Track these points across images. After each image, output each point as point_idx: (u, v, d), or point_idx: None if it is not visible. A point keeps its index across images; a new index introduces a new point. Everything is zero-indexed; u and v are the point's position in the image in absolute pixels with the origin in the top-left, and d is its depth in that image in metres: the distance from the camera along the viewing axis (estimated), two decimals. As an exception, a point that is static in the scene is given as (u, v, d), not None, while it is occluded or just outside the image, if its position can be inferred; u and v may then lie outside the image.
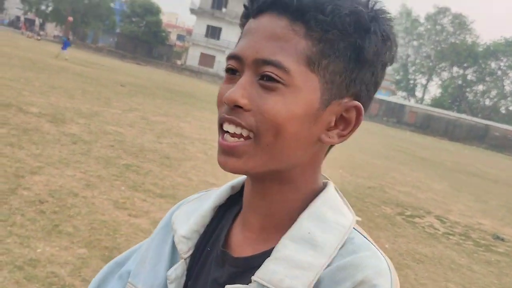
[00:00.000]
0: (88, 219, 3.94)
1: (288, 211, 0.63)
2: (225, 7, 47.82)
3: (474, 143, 45.75)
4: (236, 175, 0.65)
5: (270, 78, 0.55)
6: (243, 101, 0.56)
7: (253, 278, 0.59)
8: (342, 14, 0.55)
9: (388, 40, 0.58)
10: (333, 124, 0.60)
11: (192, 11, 49.14)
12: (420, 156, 19.68)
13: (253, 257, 0.63)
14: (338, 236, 0.59)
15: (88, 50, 46.47)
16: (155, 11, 52.12)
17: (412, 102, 63.93)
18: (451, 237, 6.67)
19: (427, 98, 72.34)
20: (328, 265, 0.57)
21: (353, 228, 0.62)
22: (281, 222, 0.63)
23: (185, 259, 0.69)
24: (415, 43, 70.71)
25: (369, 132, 29.27)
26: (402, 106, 52.40)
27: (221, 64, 44.79)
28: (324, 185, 0.66)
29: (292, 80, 0.55)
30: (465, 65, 64.04)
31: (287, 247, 0.59)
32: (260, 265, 0.60)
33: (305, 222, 0.60)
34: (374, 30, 0.57)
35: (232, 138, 0.57)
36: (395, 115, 51.36)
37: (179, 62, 54.87)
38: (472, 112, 60.56)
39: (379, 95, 56.01)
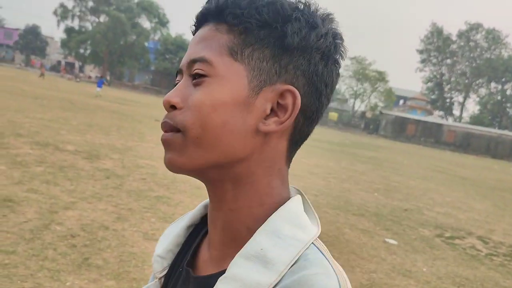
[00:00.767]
0: (118, 252, 4.00)
1: (247, 225, 0.60)
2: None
3: (520, 160, 43.92)
4: None
5: (199, 75, 0.58)
6: (175, 100, 0.58)
7: None
8: (258, 5, 0.57)
9: (316, 27, 0.58)
10: (268, 111, 0.58)
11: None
12: (460, 175, 19.01)
13: (211, 276, 0.61)
14: (292, 252, 0.56)
15: (125, 89, 48.23)
16: (186, 47, 53.28)
17: (450, 121, 62.36)
18: (494, 258, 6.34)
19: (465, 115, 70.48)
20: (277, 284, 0.54)
21: (312, 243, 0.58)
22: (240, 237, 0.61)
23: (159, 279, 0.69)
24: (448, 61, 69.55)
25: (405, 153, 28.65)
26: (439, 126, 51.18)
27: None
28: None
29: (216, 71, 0.57)
30: (503, 79, 62.28)
31: (238, 265, 0.56)
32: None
33: (259, 238, 0.57)
34: (296, 17, 0.57)
35: (167, 133, 0.59)
36: (432, 135, 50.16)
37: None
38: (514, 128, 58.41)
39: (414, 115, 55.09)
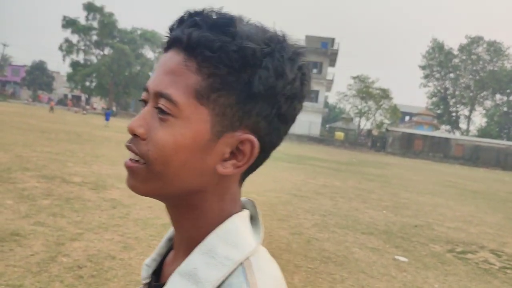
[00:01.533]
0: (125, 281, 3.99)
1: (197, 241, 0.63)
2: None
3: (531, 170, 43.39)
4: None
5: (163, 111, 0.59)
6: (139, 131, 0.60)
7: None
8: (229, 51, 0.57)
9: (283, 75, 0.59)
10: (227, 155, 0.60)
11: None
12: (470, 189, 18.82)
13: (161, 286, 0.64)
14: (222, 273, 0.58)
15: (131, 119, 48.51)
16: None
17: (457, 135, 62.06)
18: (508, 271, 6.23)
19: (472, 128, 70.14)
20: None
21: (242, 263, 0.59)
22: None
23: (143, 285, 0.73)
24: (451, 75, 69.68)
25: (414, 169, 28.44)
26: (447, 140, 50.90)
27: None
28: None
29: (181, 113, 0.58)
30: (508, 91, 62.14)
31: (174, 282, 0.60)
32: None
33: (194, 256, 0.60)
34: (265, 65, 0.58)
35: (131, 161, 0.61)
36: (441, 150, 49.84)
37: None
38: (523, 138, 57.94)
39: (421, 130, 54.90)
